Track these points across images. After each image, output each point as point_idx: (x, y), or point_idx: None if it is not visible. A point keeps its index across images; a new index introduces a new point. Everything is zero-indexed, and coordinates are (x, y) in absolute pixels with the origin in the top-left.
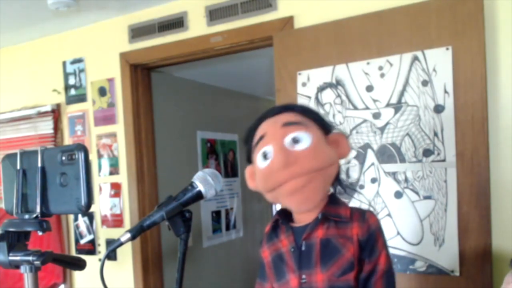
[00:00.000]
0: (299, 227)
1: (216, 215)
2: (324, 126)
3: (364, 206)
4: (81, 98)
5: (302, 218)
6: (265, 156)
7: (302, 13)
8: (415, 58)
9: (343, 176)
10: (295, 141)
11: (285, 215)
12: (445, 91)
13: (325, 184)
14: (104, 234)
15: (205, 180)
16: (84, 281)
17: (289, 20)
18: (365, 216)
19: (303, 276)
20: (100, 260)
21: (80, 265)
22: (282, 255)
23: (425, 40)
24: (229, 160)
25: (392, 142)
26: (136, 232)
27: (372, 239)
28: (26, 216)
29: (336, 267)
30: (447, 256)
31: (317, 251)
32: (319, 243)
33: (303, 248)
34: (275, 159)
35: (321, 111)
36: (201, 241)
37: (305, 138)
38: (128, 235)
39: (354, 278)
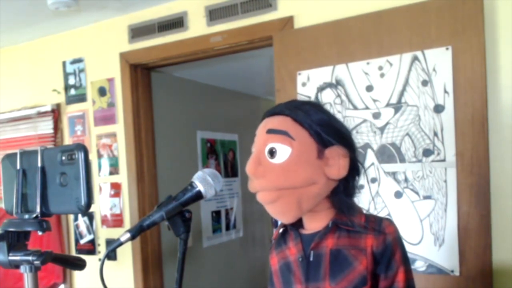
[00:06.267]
0: (308, 234)
1: (216, 215)
2: (321, 139)
3: (364, 206)
4: (81, 98)
5: (312, 225)
6: None
7: (302, 13)
8: (415, 58)
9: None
10: (271, 153)
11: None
12: (445, 91)
13: (301, 202)
14: (104, 234)
15: (204, 180)
16: (84, 281)
17: (289, 20)
18: (381, 225)
19: None
20: (100, 260)
21: (80, 265)
22: (289, 264)
23: (425, 40)
24: (229, 160)
25: (392, 142)
26: (136, 232)
27: (388, 251)
28: (26, 216)
29: (346, 281)
30: (447, 256)
31: (326, 262)
32: (329, 253)
33: (311, 258)
34: (247, 166)
35: (336, 117)
36: (201, 241)
37: (282, 152)
38: (128, 235)
39: None
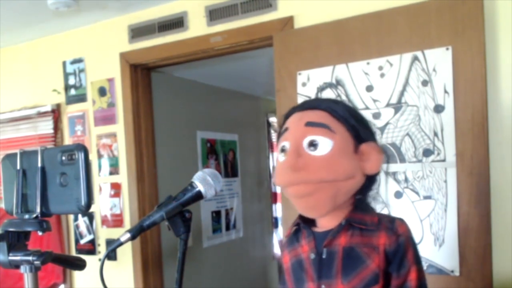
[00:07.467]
0: (321, 232)
1: (216, 215)
2: (357, 134)
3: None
4: (81, 98)
5: (325, 223)
6: (283, 150)
7: (302, 13)
8: (415, 58)
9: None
10: (312, 145)
11: (307, 218)
12: (445, 91)
13: (337, 197)
14: (104, 234)
15: (204, 180)
16: (84, 281)
17: (289, 20)
18: (394, 225)
19: (323, 286)
20: (100, 260)
21: (80, 265)
22: (302, 261)
23: (425, 40)
24: (229, 160)
25: (392, 142)
26: (136, 232)
27: (400, 250)
28: (26, 216)
29: (358, 279)
30: (447, 256)
31: (338, 260)
32: (342, 251)
33: (324, 256)
34: (287, 158)
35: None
36: (201, 241)
37: (324, 144)
38: (128, 235)
39: None
